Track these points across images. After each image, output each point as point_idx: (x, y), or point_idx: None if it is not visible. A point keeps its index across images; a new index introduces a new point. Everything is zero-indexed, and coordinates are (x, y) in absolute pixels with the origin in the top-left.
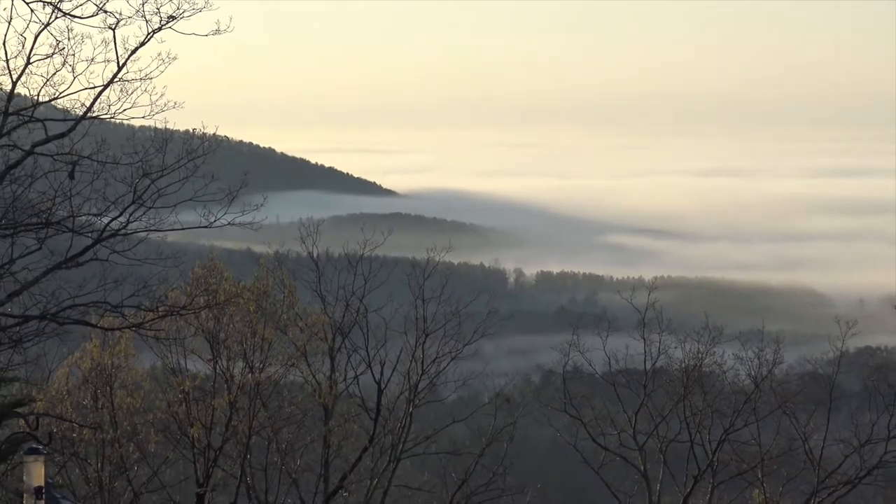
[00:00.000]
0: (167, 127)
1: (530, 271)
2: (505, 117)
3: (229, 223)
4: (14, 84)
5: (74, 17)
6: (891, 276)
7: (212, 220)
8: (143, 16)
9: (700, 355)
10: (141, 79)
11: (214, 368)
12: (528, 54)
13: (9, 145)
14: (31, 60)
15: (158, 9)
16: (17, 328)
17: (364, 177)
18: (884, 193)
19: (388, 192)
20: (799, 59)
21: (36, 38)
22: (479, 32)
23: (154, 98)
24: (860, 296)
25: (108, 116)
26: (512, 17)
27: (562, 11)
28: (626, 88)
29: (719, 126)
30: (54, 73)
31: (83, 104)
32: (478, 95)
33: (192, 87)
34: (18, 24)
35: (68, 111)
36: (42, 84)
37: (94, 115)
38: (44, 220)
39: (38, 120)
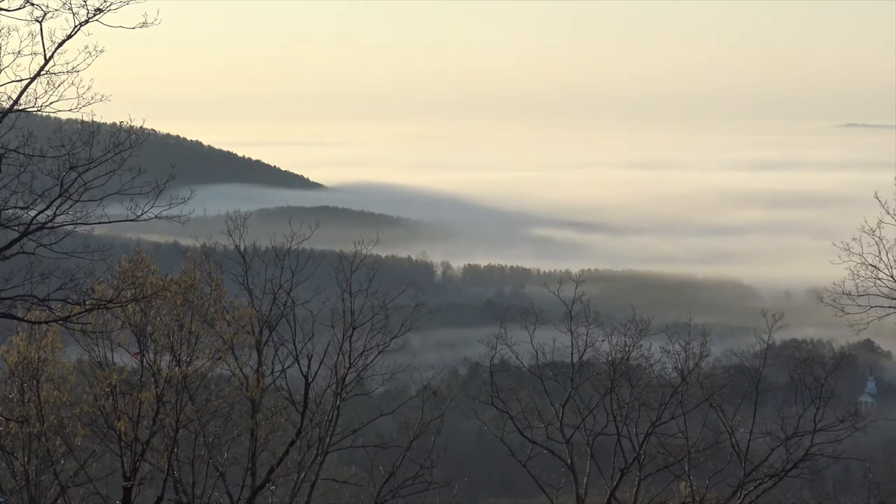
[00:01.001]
0: (94, 120)
1: (457, 264)
2: (434, 110)
3: (156, 216)
4: None
5: (1, 9)
6: (817, 268)
7: (139, 213)
8: (70, 8)
9: (627, 348)
10: (68, 72)
11: (141, 362)
12: (456, 46)
13: None
14: None
15: (85, 1)
16: None
17: (291, 170)
18: (809, 186)
19: (316, 186)
20: (726, 53)
21: None
22: (406, 24)
23: (81, 91)
24: (786, 288)
25: (35, 109)
26: (441, 9)
27: (495, 4)
28: (555, 82)
29: (647, 119)
30: None
31: (9, 97)
32: (406, 88)
33: (119, 80)
34: None
35: None
36: None
37: (20, 107)
38: None
39: None
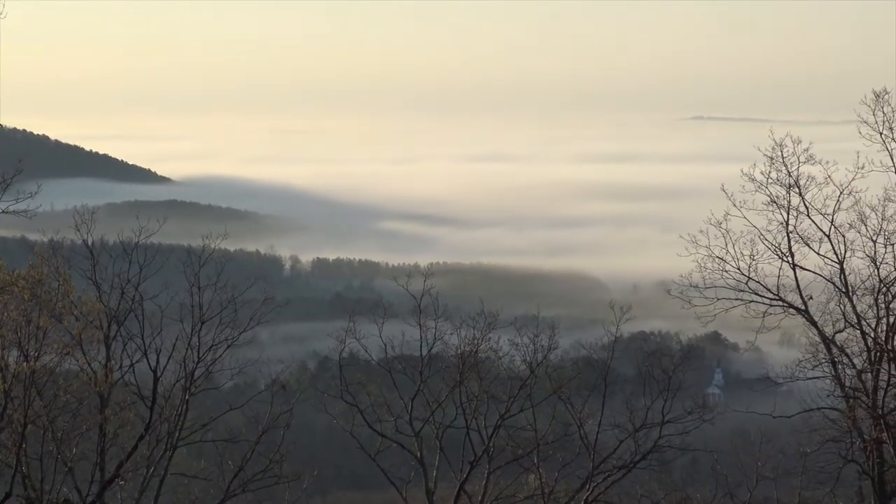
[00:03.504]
0: None
1: (306, 258)
2: (279, 103)
3: (3, 211)
4: None
5: None
6: (663, 261)
7: None
8: None
9: (476, 341)
10: None
11: None
12: (300, 39)
13: None
14: None
15: None
16: None
17: (139, 164)
18: (656, 179)
19: (164, 180)
20: (569, 45)
21: None
22: (249, 18)
23: None
24: (634, 281)
25: None
26: (284, 5)
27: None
28: (400, 74)
29: (492, 112)
30: None
31: None
32: (250, 82)
33: None
34: None
35: None
36: None
37: None
38: None
39: None
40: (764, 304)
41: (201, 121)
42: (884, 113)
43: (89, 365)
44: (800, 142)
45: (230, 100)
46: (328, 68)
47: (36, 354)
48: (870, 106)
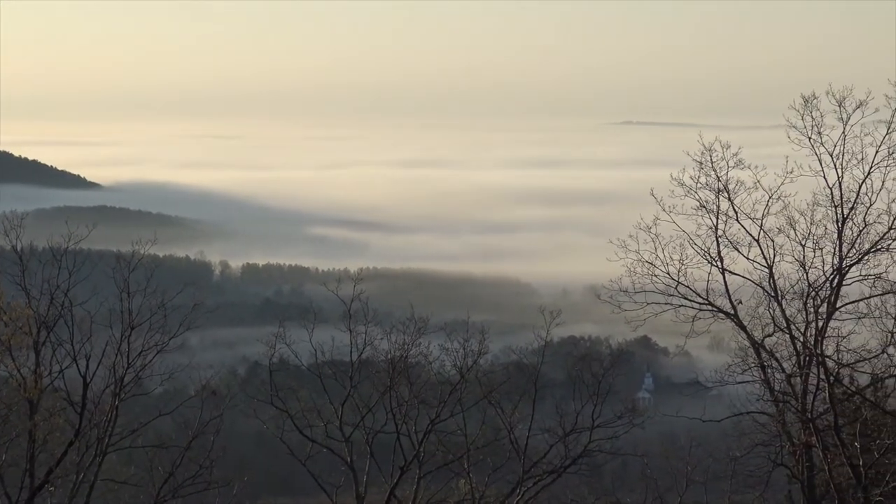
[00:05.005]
0: None
1: (236, 263)
2: (208, 109)
3: None
4: None
5: None
6: (593, 265)
7: None
8: None
9: (406, 346)
10: None
11: None
12: (227, 43)
13: None
14: None
15: None
16: None
17: (68, 170)
18: (586, 184)
19: (93, 185)
20: (500, 51)
21: None
22: (173, 22)
23: None
24: (564, 286)
25: None
26: (210, 9)
27: (271, 4)
28: (329, 80)
29: (422, 117)
30: None
31: None
32: (179, 87)
33: None
34: None
35: None
36: None
37: None
38: None
39: None
40: (693, 308)
41: (130, 126)
42: (812, 118)
43: (18, 371)
44: (729, 146)
45: (159, 105)
46: (257, 74)
47: None
48: (799, 111)
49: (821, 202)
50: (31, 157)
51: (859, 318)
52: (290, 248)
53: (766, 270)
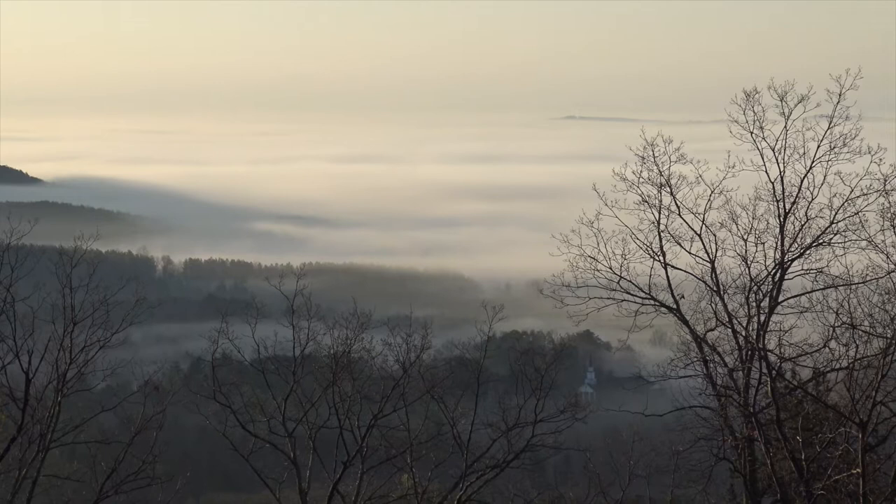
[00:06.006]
0: None
1: (178, 258)
2: (149, 104)
3: None
4: None
5: None
6: (535, 260)
7: None
8: None
9: (349, 341)
10: None
11: None
12: (165, 38)
13: None
14: None
15: None
16: None
17: (10, 165)
18: (528, 178)
19: (35, 181)
20: (440, 46)
21: None
22: (113, 19)
23: None
24: (507, 280)
25: None
26: (148, 5)
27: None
28: (270, 76)
29: (364, 112)
30: None
31: None
32: (120, 83)
33: None
34: None
35: None
36: None
37: None
38: None
39: None
40: (636, 303)
41: (72, 122)
42: (754, 112)
43: None
44: (671, 141)
45: (101, 101)
46: (197, 69)
47: None
48: (740, 105)
49: (763, 197)
50: None
51: (801, 312)
52: (233, 243)
53: (709, 265)
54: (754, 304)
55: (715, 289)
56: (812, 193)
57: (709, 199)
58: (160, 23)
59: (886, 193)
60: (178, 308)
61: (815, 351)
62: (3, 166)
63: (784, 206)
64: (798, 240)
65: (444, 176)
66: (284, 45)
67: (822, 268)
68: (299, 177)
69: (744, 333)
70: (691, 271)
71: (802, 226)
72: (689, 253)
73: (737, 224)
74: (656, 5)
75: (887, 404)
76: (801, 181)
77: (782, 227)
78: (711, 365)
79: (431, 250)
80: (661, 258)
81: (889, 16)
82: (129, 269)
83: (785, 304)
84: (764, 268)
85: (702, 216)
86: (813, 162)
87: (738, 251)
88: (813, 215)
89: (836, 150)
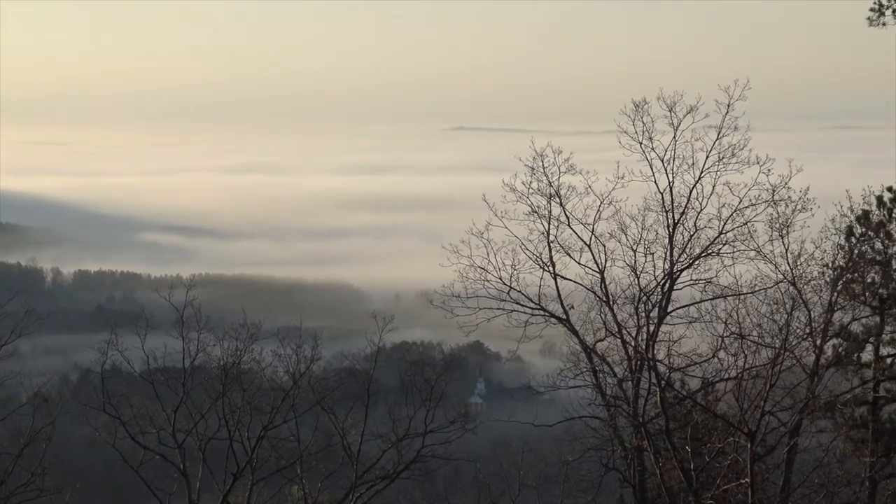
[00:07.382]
0: None
1: (68, 270)
2: (33, 114)
3: None
4: None
5: None
6: (425, 270)
7: None
8: None
9: (238, 352)
10: None
11: None
12: (51, 47)
13: None
14: None
15: None
16: None
17: None
18: (418, 189)
19: None
20: (328, 57)
21: None
22: (8, 27)
23: None
24: (396, 291)
25: None
26: (43, 13)
27: (99, 4)
28: (157, 85)
29: (250, 123)
30: None
31: None
32: (5, 93)
33: None
34: None
35: None
36: None
37: None
38: None
39: None
40: (525, 313)
41: None
42: (643, 123)
43: None
44: (560, 152)
45: None
46: (82, 78)
47: None
48: (630, 116)
49: (652, 207)
50: None
51: (690, 322)
52: (122, 254)
53: (598, 275)
54: (643, 314)
55: (604, 299)
56: (701, 204)
57: (598, 210)
58: (56, 31)
59: (775, 204)
60: (67, 319)
61: (704, 361)
62: None
63: (673, 216)
64: (687, 250)
65: (334, 186)
66: (176, 57)
67: (711, 278)
68: (190, 187)
69: (633, 344)
70: (581, 282)
71: (691, 236)
72: (579, 263)
73: (626, 234)
74: (546, 18)
75: (775, 414)
76: (690, 191)
77: (671, 237)
78: (601, 375)
79: (321, 261)
80: (551, 269)
81: (780, 27)
82: (18, 280)
83: (674, 314)
84: (653, 278)
85: (591, 227)
86: (702, 172)
87: (627, 261)
88: (702, 225)
89: (724, 160)
